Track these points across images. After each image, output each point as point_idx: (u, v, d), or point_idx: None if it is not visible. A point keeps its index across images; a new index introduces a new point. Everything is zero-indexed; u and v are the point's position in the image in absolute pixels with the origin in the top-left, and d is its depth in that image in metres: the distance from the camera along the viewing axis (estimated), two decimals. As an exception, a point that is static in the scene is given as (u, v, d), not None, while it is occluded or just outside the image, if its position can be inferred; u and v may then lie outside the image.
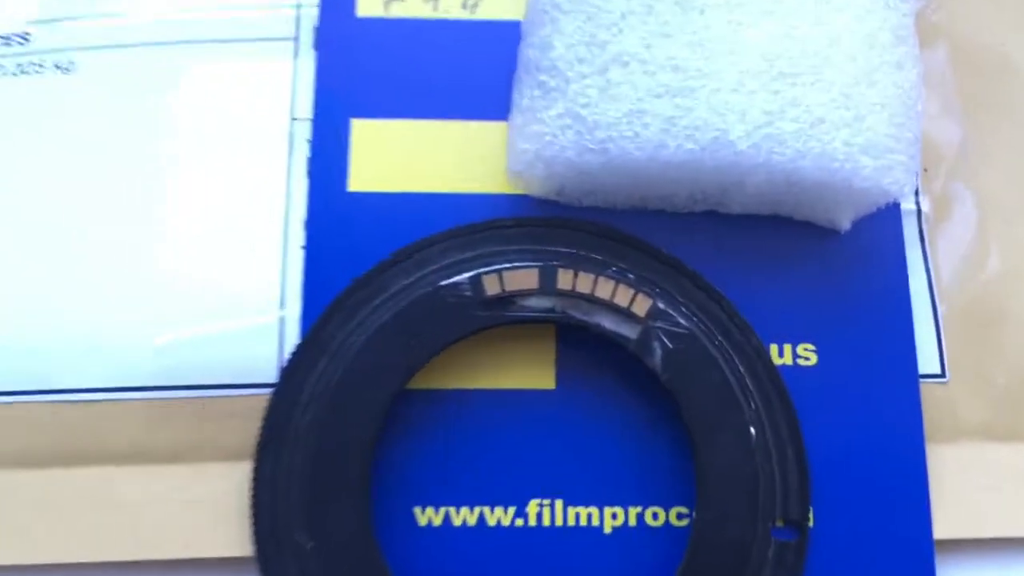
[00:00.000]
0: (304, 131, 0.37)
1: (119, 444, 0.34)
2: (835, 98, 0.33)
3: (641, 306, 0.34)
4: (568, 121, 0.33)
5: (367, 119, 0.37)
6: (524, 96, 0.35)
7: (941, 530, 0.35)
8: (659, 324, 0.34)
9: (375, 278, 0.35)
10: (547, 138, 0.34)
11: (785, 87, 0.33)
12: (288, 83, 0.38)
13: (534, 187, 0.36)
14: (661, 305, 0.34)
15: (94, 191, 0.36)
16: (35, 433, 0.34)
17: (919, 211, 0.38)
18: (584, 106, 0.33)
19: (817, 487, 0.34)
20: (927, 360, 0.36)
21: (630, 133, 0.33)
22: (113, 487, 0.34)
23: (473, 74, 0.38)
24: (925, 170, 0.38)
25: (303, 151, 0.37)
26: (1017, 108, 0.40)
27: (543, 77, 0.34)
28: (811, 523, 0.34)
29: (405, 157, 0.37)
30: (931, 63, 0.39)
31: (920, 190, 0.38)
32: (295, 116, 0.37)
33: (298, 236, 0.36)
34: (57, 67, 0.38)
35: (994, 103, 0.40)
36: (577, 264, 0.34)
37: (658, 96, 0.33)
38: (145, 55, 0.38)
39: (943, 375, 0.36)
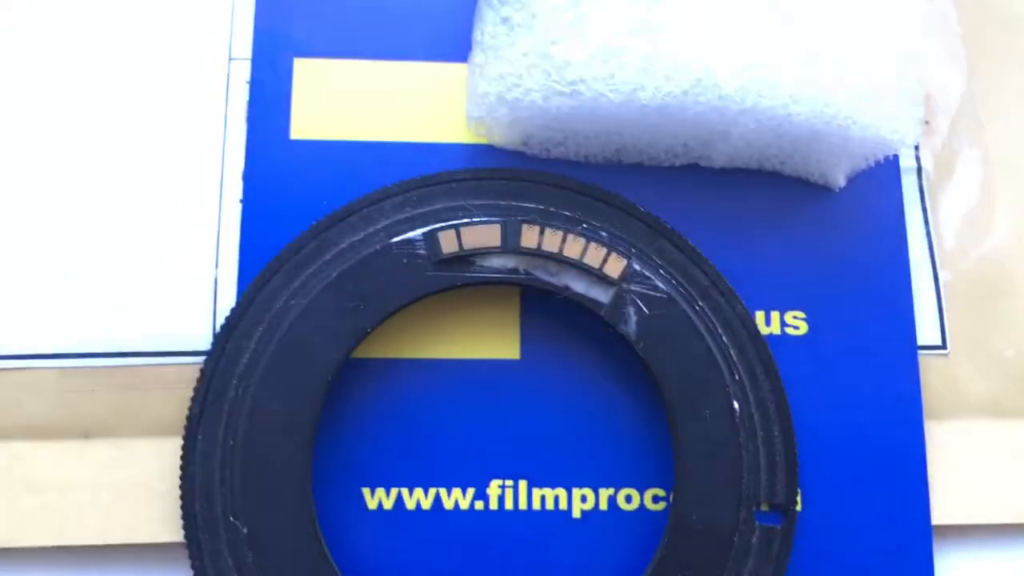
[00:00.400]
0: (243, 72, 0.34)
1: (31, 418, 0.31)
2: (832, 38, 0.30)
3: (614, 267, 0.30)
4: (535, 60, 0.30)
5: (311, 58, 0.34)
6: (486, 33, 0.31)
7: (940, 515, 0.32)
8: (634, 287, 0.30)
9: (319, 235, 0.31)
10: (511, 79, 0.30)
11: (777, 24, 0.30)
12: (226, 18, 0.34)
13: (497, 135, 0.33)
14: (636, 266, 0.31)
15: (5, 136, 0.33)
16: (-66, 406, 0.31)
17: (919, 168, 0.35)
18: (553, 43, 0.30)
19: (805, 468, 0.31)
20: (927, 330, 0.33)
21: (604, 73, 0.30)
22: (25, 466, 0.31)
23: (430, 9, 0.34)
24: (927, 122, 0.35)
25: (242, 94, 0.33)
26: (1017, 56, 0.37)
27: (507, 11, 0.31)
28: (799, 507, 0.31)
29: (353, 101, 0.33)
30: (935, 7, 0.36)
31: (921, 144, 0.35)
32: (233, 55, 0.34)
33: (235, 188, 0.33)
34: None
35: (1002, 51, 0.37)
36: (544, 220, 0.31)
37: (635, 32, 0.30)
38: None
39: (944, 347, 0.33)
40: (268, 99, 0.33)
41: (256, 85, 0.33)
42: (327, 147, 0.33)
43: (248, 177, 0.33)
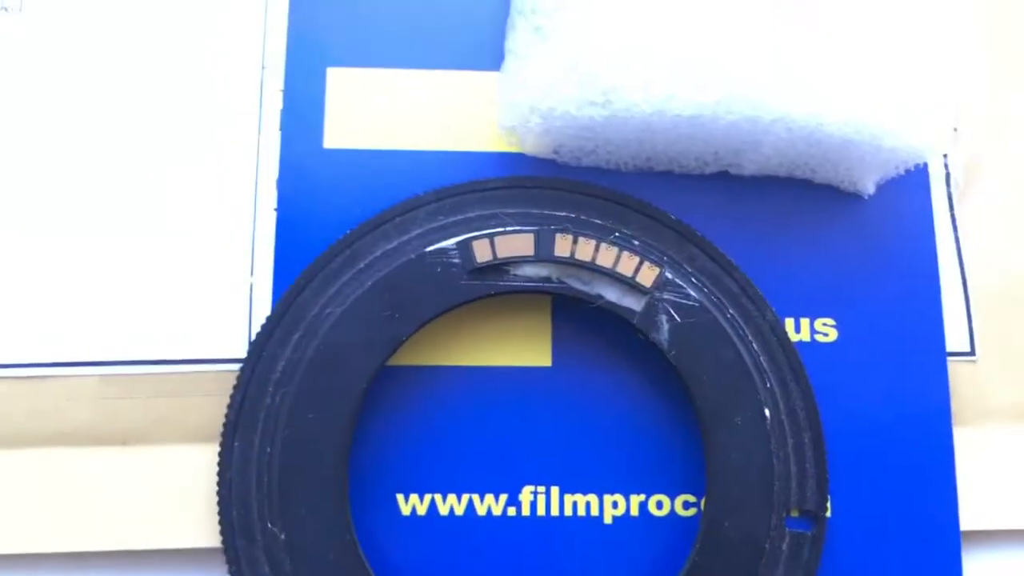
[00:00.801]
0: (276, 81, 0.34)
1: (70, 424, 0.31)
2: (863, 48, 0.30)
3: (647, 276, 0.30)
4: (567, 70, 0.30)
5: (345, 68, 0.34)
6: (518, 42, 0.31)
7: (969, 521, 0.32)
8: (666, 296, 0.31)
9: (354, 243, 0.31)
10: (544, 89, 0.30)
11: (809, 35, 0.30)
12: (259, 28, 0.34)
13: (529, 144, 0.33)
14: (669, 275, 0.31)
15: (45, 147, 0.33)
16: (-24, 412, 0.31)
17: (948, 175, 0.35)
18: (585, 52, 0.30)
19: (835, 474, 0.32)
20: (955, 337, 0.33)
21: (636, 83, 0.30)
22: (64, 471, 0.31)
23: (462, 18, 0.34)
24: (955, 129, 0.35)
25: (275, 103, 0.34)
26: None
27: (539, 20, 0.31)
28: (828, 513, 0.31)
29: (386, 110, 0.34)
30: (964, 15, 0.36)
31: (950, 152, 0.35)
32: (265, 64, 0.34)
33: (270, 197, 0.33)
34: (4, 9, 0.34)
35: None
36: (576, 229, 0.31)
37: (667, 42, 0.30)
38: (101, -3, 0.34)
39: (972, 353, 0.33)
40: (301, 108, 0.33)
41: (289, 94, 0.34)
42: (360, 155, 0.33)
43: (282, 185, 0.33)
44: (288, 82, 0.34)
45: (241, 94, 0.34)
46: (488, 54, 0.34)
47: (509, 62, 0.32)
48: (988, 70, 0.36)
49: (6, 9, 0.34)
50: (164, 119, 0.33)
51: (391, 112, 0.33)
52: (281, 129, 0.33)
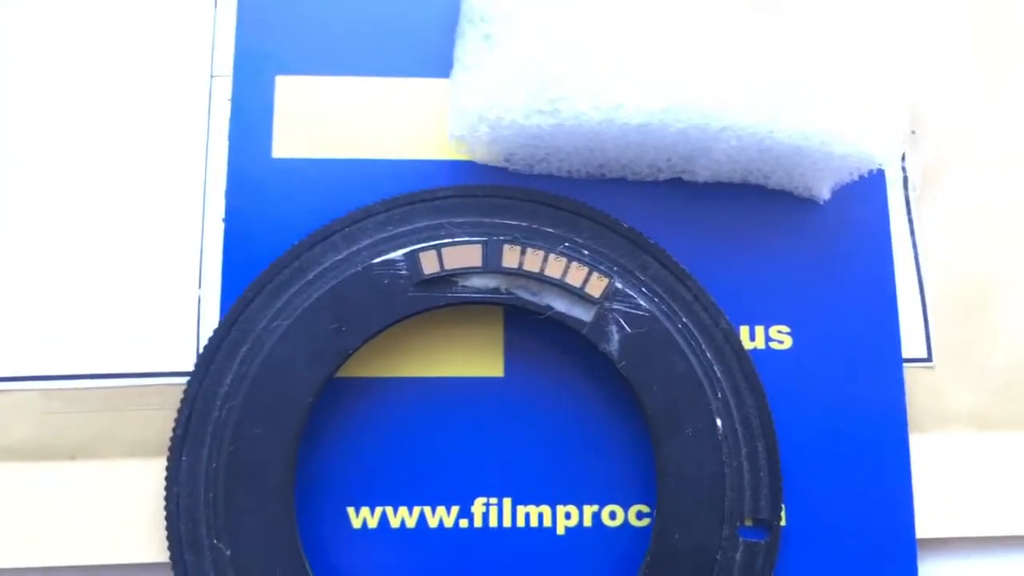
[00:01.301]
0: (224, 89, 0.33)
1: (16, 440, 0.31)
2: (812, 56, 0.30)
3: (596, 286, 0.30)
4: (515, 78, 0.30)
5: (293, 75, 0.33)
6: (467, 51, 0.31)
7: (925, 528, 0.32)
8: (616, 306, 0.30)
9: (302, 254, 0.31)
10: (492, 97, 0.30)
11: (756, 43, 0.30)
12: (207, 35, 0.34)
13: (479, 152, 0.32)
14: (619, 285, 0.31)
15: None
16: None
17: (905, 178, 0.34)
18: (533, 61, 0.30)
19: (789, 482, 0.31)
20: (912, 343, 0.33)
21: (584, 91, 0.29)
22: (10, 487, 0.31)
23: (411, 25, 0.34)
24: (913, 132, 0.35)
25: (223, 112, 0.33)
26: (1018, 61, 0.36)
27: (488, 28, 0.30)
28: (783, 522, 0.31)
29: (335, 119, 0.33)
30: (922, 9, 0.36)
31: (908, 154, 0.35)
32: (214, 73, 0.34)
33: (218, 207, 0.32)
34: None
35: (992, 56, 0.36)
36: (525, 239, 0.31)
37: (614, 52, 0.29)
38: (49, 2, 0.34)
39: (929, 359, 0.33)
40: (250, 117, 0.33)
41: (238, 103, 0.33)
42: (309, 165, 0.33)
43: (231, 196, 0.33)
44: (236, 90, 0.33)
45: (189, 103, 0.33)
46: (438, 62, 0.33)
47: (458, 70, 0.31)
48: (946, 73, 0.36)
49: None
50: (111, 128, 0.33)
51: (340, 120, 0.33)
52: (229, 138, 0.33)
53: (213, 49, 0.34)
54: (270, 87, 0.33)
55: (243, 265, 0.32)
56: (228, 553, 0.29)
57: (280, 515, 0.29)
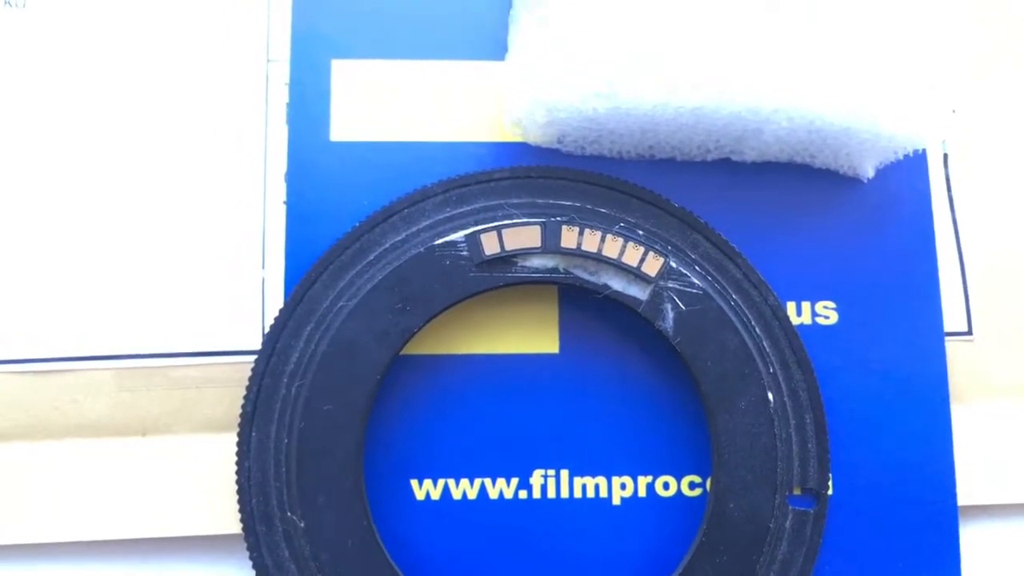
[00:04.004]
0: (281, 74, 0.34)
1: (89, 417, 0.32)
2: (861, 36, 0.31)
3: (652, 266, 0.31)
4: (571, 61, 0.30)
5: (349, 60, 0.34)
6: (521, 34, 0.32)
7: (966, 496, 0.33)
8: (671, 284, 0.31)
9: (362, 235, 0.32)
10: (547, 81, 0.31)
11: (808, 25, 0.30)
12: (262, 20, 0.34)
13: (533, 135, 0.33)
14: (673, 264, 0.31)
15: (57, 143, 0.33)
16: (-3, 406, 0.32)
17: (946, 156, 0.35)
18: (589, 45, 0.30)
19: (836, 453, 0.32)
20: (953, 317, 0.34)
21: (640, 74, 0.30)
22: (86, 462, 0.32)
23: (466, 8, 0.34)
24: (953, 111, 0.35)
25: (281, 97, 0.34)
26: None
27: (543, 11, 0.31)
28: (830, 491, 0.32)
29: (391, 102, 0.34)
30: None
31: (948, 134, 0.35)
32: (271, 58, 0.34)
33: (279, 190, 0.33)
34: (7, 2, 0.34)
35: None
36: (582, 220, 0.32)
37: (670, 35, 0.30)
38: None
39: (969, 333, 0.34)
40: (307, 101, 0.34)
41: (295, 87, 0.34)
42: (367, 148, 0.33)
43: (291, 179, 0.33)
44: (294, 75, 0.34)
45: (247, 88, 0.34)
46: (492, 44, 0.34)
47: (513, 54, 0.32)
48: (984, 52, 0.36)
49: (10, 4, 0.34)
50: (172, 115, 0.34)
51: (396, 103, 0.34)
52: (288, 123, 0.34)
53: (269, 34, 0.34)
54: (326, 71, 0.34)
55: (305, 246, 0.32)
56: (301, 525, 0.30)
57: (350, 488, 0.30)
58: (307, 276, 0.32)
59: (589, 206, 0.32)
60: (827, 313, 0.34)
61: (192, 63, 0.34)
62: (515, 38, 0.32)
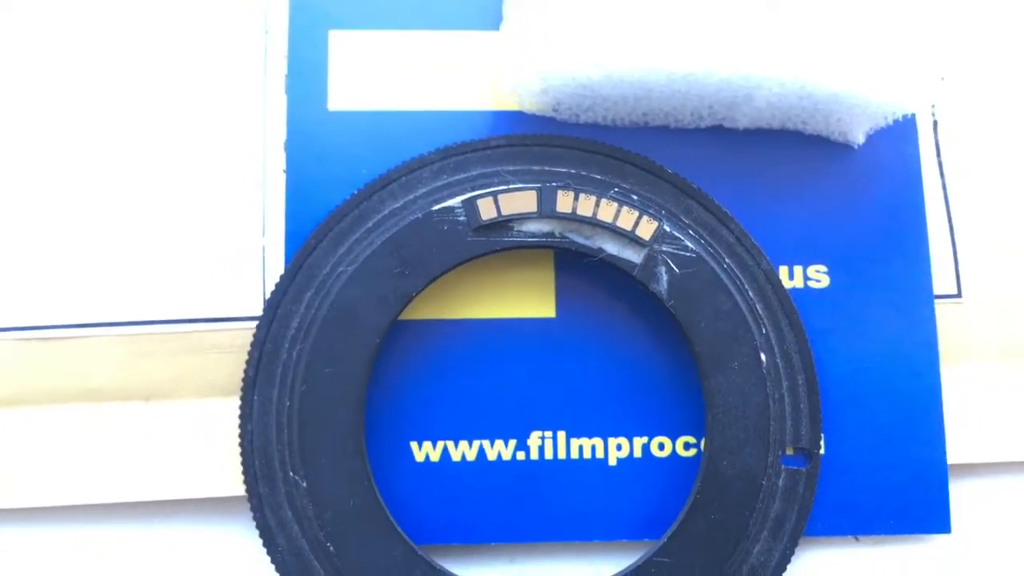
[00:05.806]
0: (279, 45, 0.34)
1: (95, 382, 0.32)
2: (853, 2, 0.31)
3: (646, 229, 0.32)
4: (566, 29, 0.31)
5: (347, 30, 0.35)
6: (516, 3, 0.32)
7: (955, 455, 0.34)
8: (665, 248, 0.32)
9: (361, 203, 0.32)
10: (542, 49, 0.31)
11: (799, -10, 0.31)
12: (260, -8, 0.35)
13: (528, 103, 0.34)
14: (667, 228, 0.32)
15: (58, 119, 0.34)
16: (3, 371, 0.32)
17: (935, 121, 0.36)
18: (583, 13, 0.31)
19: (828, 413, 0.33)
20: (942, 280, 0.35)
21: (633, 40, 0.31)
22: (92, 426, 0.32)
23: (462, -22, 0.35)
24: (942, 78, 0.36)
25: (279, 67, 0.34)
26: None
27: (538, -19, 0.31)
28: (822, 450, 0.33)
29: (389, 72, 0.34)
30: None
31: (938, 99, 0.36)
32: (268, 29, 0.35)
33: (278, 159, 0.34)
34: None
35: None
36: (577, 185, 0.32)
37: (663, 3, 0.31)
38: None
39: (959, 295, 0.35)
40: (305, 71, 0.34)
41: (293, 58, 0.34)
42: (365, 117, 0.34)
43: (290, 148, 0.34)
44: (291, 46, 0.34)
45: (246, 60, 0.34)
46: (488, 14, 0.34)
47: (508, 23, 0.32)
48: (973, 18, 0.37)
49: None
50: (174, 88, 0.34)
51: (393, 73, 0.34)
52: (286, 93, 0.34)
53: (267, 5, 0.35)
54: (324, 42, 0.34)
55: (305, 214, 0.33)
56: (304, 485, 0.31)
57: (351, 449, 0.31)
58: (307, 243, 0.32)
59: (584, 172, 0.33)
60: (819, 277, 0.34)
61: (191, 35, 0.35)
62: (510, 7, 0.32)
